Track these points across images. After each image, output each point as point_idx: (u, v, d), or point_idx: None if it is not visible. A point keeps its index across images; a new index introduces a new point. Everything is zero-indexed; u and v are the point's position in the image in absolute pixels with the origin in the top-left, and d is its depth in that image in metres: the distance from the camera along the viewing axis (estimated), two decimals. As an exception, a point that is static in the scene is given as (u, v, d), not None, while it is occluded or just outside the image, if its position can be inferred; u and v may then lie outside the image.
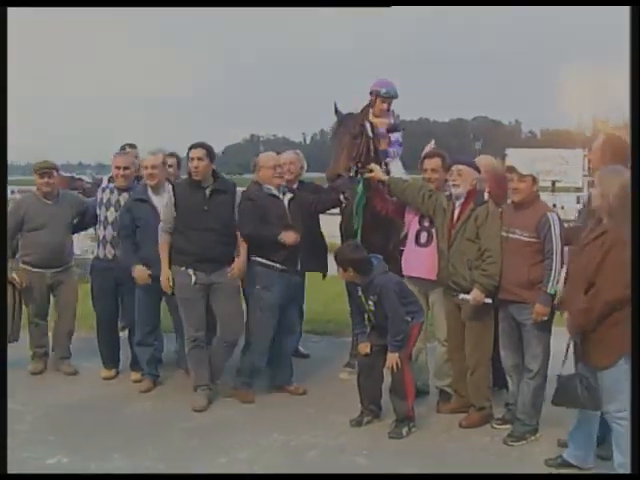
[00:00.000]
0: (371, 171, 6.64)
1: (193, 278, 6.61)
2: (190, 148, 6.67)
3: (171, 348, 7.76)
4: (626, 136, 6.19)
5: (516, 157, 6.40)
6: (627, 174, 4.84)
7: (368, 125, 6.80)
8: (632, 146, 4.77)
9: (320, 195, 7.17)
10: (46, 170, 7.42)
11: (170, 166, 7.72)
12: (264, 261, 6.69)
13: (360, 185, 6.71)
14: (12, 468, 5.05)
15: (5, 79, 5.31)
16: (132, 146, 8.48)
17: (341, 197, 6.81)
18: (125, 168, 7.29)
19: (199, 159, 6.56)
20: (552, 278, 5.56)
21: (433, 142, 7.64)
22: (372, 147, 6.80)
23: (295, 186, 7.23)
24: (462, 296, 6.01)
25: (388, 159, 7.11)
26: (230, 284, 6.73)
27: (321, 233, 7.89)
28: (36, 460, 5.47)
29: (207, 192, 6.64)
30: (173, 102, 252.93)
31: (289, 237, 6.56)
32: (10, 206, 7.36)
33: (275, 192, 6.77)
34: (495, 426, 6.13)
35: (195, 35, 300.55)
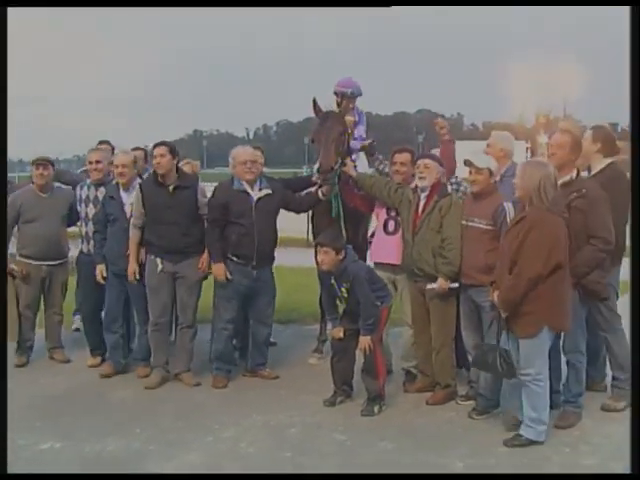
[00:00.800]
0: (344, 165, 7.04)
1: (160, 266, 7.06)
2: (154, 147, 7.11)
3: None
4: (572, 128, 6.77)
5: (468, 149, 6.79)
6: (549, 167, 5.55)
7: (347, 122, 7.18)
8: (632, 146, 5.26)
9: (302, 195, 7.53)
10: (42, 162, 7.70)
11: (97, 161, 8.05)
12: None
13: (335, 178, 7.07)
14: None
15: (5, 79, 5.47)
16: (105, 142, 8.82)
17: (320, 194, 7.18)
18: (97, 162, 7.61)
19: (161, 156, 6.98)
20: None
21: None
22: (348, 143, 7.19)
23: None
24: (429, 286, 6.43)
25: (354, 155, 7.46)
26: (192, 276, 7.16)
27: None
28: (29, 447, 5.72)
29: (170, 189, 7.05)
30: (114, 98, 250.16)
31: (219, 271, 6.99)
32: (8, 200, 7.63)
33: (245, 188, 7.06)
34: (459, 402, 6.56)
35: (137, 31, 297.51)
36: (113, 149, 8.65)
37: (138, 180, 7.42)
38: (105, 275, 7.40)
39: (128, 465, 5.36)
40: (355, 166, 7.23)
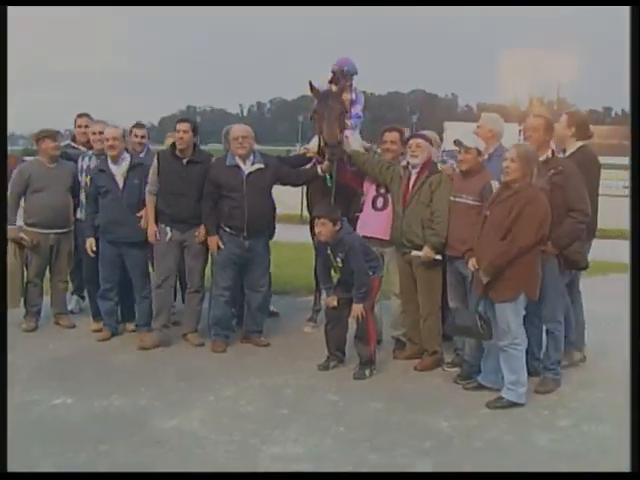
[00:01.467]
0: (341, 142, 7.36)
1: (169, 235, 7.54)
2: (177, 122, 7.53)
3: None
4: (544, 112, 7.26)
5: (461, 131, 7.17)
6: (531, 149, 6.12)
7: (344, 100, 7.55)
8: (632, 145, 5.62)
9: (299, 169, 7.86)
10: (49, 135, 8.05)
11: (143, 137, 8.47)
12: (219, 224, 7.49)
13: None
14: (18, 411, 5.71)
15: (5, 78, 5.67)
16: (85, 115, 8.97)
17: (318, 169, 7.54)
18: (100, 133, 7.96)
19: (184, 132, 7.42)
20: None
21: None
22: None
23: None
24: (414, 253, 6.81)
25: (347, 131, 7.78)
26: (197, 244, 7.58)
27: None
28: (42, 402, 6.06)
29: (184, 162, 7.46)
30: (108, 73, 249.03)
31: (211, 243, 7.48)
32: (15, 172, 7.98)
33: (238, 162, 7.42)
34: (446, 369, 6.97)
35: (133, 8, 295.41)
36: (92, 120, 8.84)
37: (126, 153, 7.79)
38: (94, 248, 7.79)
39: (135, 419, 5.73)
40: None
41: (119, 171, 7.67)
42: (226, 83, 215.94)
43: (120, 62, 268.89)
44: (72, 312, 8.81)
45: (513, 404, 6.02)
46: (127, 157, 7.75)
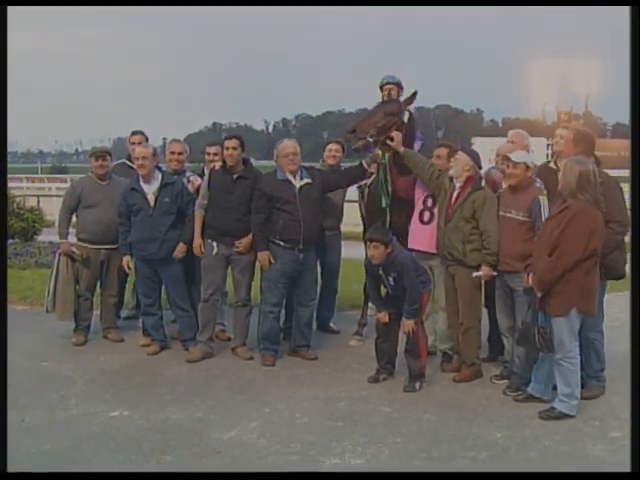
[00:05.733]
0: (392, 140, 7.34)
1: (215, 249, 7.67)
2: (225, 139, 7.69)
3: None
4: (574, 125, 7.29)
5: (489, 146, 7.26)
6: (588, 165, 6.00)
7: (407, 113, 7.55)
8: (632, 145, 5.69)
9: (343, 170, 8.04)
10: (100, 154, 8.28)
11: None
12: (270, 238, 7.56)
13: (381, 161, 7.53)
14: (77, 424, 5.91)
15: (5, 78, 5.68)
16: (139, 132, 9.05)
17: (364, 164, 7.66)
18: (179, 154, 8.33)
19: (233, 148, 7.57)
20: None
21: None
22: (403, 131, 7.44)
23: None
24: (475, 274, 6.90)
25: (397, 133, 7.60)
26: (245, 257, 7.71)
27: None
28: (100, 414, 6.18)
29: (234, 177, 7.59)
30: (137, 89, 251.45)
31: (263, 258, 7.53)
32: (68, 187, 8.14)
33: (288, 177, 7.54)
34: (494, 381, 7.01)
35: (161, 22, 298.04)
36: (147, 139, 8.99)
37: (157, 172, 7.93)
38: (131, 266, 7.99)
39: (193, 431, 5.82)
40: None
41: (150, 190, 7.82)
42: (251, 100, 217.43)
43: (145, 79, 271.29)
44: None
45: (564, 415, 6.08)
46: (158, 176, 7.88)
